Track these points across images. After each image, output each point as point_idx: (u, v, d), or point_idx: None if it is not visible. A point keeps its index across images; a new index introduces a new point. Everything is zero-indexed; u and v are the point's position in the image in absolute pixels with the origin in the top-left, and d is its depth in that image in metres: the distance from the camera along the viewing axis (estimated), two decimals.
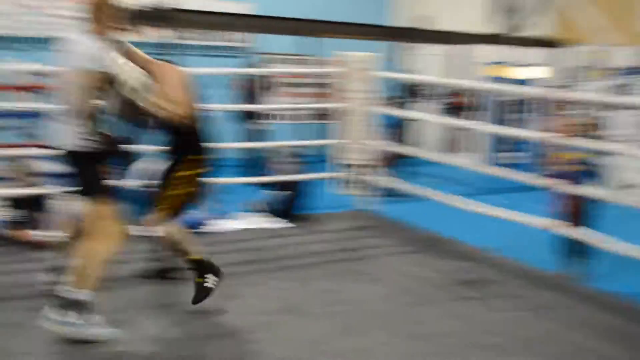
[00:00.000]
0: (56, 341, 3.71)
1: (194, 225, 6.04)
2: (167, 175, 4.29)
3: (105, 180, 3.82)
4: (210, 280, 4.27)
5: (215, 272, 4.32)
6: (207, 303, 4.37)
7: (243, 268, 5.24)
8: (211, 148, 4.42)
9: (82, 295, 3.70)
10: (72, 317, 3.69)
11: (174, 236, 4.26)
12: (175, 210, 4.30)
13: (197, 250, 4.31)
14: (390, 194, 7.29)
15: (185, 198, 4.33)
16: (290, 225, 6.47)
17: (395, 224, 6.83)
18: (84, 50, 3.65)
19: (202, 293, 4.25)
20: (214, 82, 12.70)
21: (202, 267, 4.30)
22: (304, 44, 12.26)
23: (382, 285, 4.99)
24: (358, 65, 6.54)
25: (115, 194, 3.87)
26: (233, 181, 7.44)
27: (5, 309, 4.23)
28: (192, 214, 6.19)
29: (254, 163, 9.74)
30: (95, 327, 3.77)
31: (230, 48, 14.09)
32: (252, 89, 10.34)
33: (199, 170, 4.34)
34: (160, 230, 4.24)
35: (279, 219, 6.55)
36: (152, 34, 12.87)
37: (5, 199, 5.74)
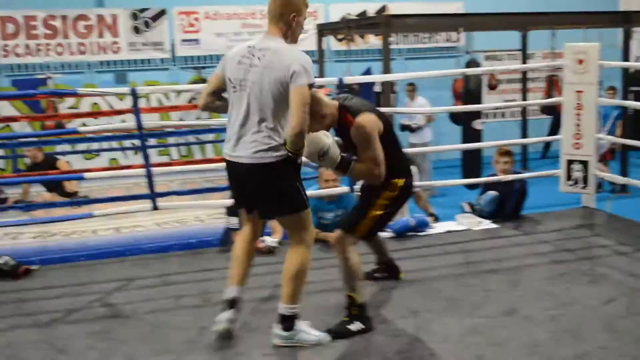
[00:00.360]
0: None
1: (404, 228, 6.05)
2: (369, 196, 4.22)
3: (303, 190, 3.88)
4: (355, 326, 4.07)
5: (366, 325, 4.09)
6: (417, 304, 4.37)
7: (456, 270, 5.15)
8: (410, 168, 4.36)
9: (298, 306, 3.86)
10: (294, 328, 3.87)
11: (354, 263, 4.11)
12: (370, 232, 4.27)
13: (363, 292, 4.17)
14: (616, 189, 6.83)
15: (383, 220, 4.26)
16: (504, 226, 6.26)
17: (621, 221, 6.38)
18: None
19: (342, 332, 4.03)
20: (432, 84, 12.81)
21: (359, 310, 4.11)
22: (533, 38, 11.92)
23: (606, 287, 4.67)
24: (584, 56, 6.19)
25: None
26: (449, 183, 7.37)
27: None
28: (404, 217, 6.23)
29: (468, 164, 9.58)
30: (313, 333, 3.91)
31: (445, 49, 14.06)
32: (471, 88, 10.15)
33: (400, 192, 4.20)
34: (346, 251, 4.10)
35: (492, 220, 6.36)
36: (365, 41, 13.26)
37: (224, 207, 6.05)
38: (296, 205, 3.81)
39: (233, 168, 3.81)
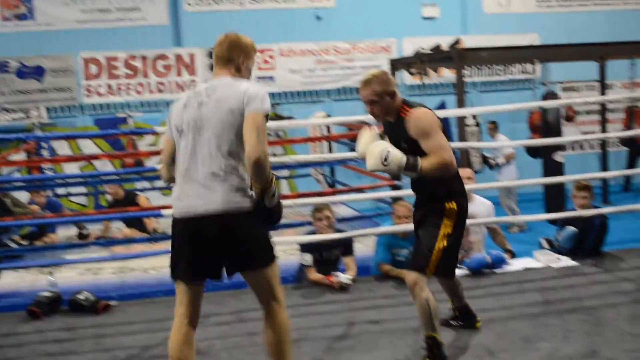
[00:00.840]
0: None
1: (480, 265, 5.95)
2: (428, 228, 4.09)
3: None
4: None
5: None
6: (494, 344, 4.28)
7: (532, 309, 5.01)
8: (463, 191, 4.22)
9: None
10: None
11: (430, 302, 4.00)
12: (441, 266, 4.09)
13: (440, 330, 4.09)
14: None
15: (451, 251, 4.13)
16: (584, 263, 6.08)
17: None
18: None
19: None
20: (508, 117, 12.66)
21: (439, 350, 4.02)
22: (611, 68, 11.67)
23: None
24: None
25: None
26: (526, 218, 7.23)
27: (304, 348, 4.46)
28: (479, 254, 6.12)
29: (551, 198, 9.37)
30: None
31: (521, 81, 13.91)
32: (550, 120, 9.98)
33: (458, 217, 4.08)
34: (421, 291, 4.00)
35: (572, 257, 6.19)
36: (439, 75, 13.22)
37: (296, 242, 6.07)
38: (271, 255, 3.47)
39: (189, 224, 3.33)
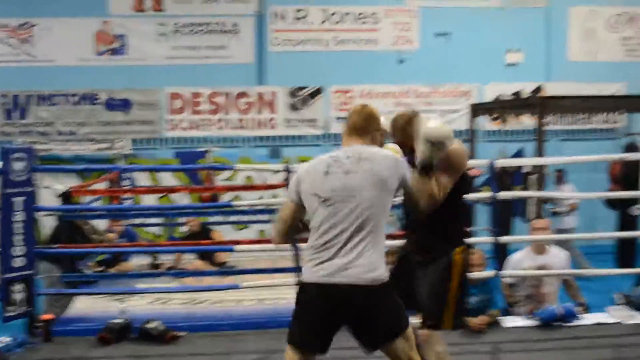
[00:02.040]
0: None
1: (551, 317, 5.80)
2: (437, 281, 3.89)
3: None
4: None
5: None
6: None
7: None
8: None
9: None
10: None
11: (446, 357, 3.89)
12: (456, 319, 3.92)
13: None
14: None
15: (462, 301, 3.96)
16: None
17: None
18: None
19: None
20: (588, 167, 12.37)
21: None
22: None
23: None
24: None
25: None
26: (602, 272, 7.02)
27: None
28: (552, 306, 5.97)
29: (628, 251, 9.08)
30: None
31: (604, 130, 13.59)
32: (630, 173, 9.71)
33: (463, 266, 3.93)
34: (437, 346, 3.87)
35: None
36: (519, 121, 13.05)
37: None
38: (406, 321, 3.43)
39: (331, 294, 3.28)
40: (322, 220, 3.31)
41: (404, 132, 3.91)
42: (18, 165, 5.66)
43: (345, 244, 3.26)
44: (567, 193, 10.28)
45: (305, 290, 3.37)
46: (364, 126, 3.51)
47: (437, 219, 3.78)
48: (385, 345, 3.37)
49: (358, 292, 3.24)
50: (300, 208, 3.42)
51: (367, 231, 3.28)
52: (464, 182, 3.96)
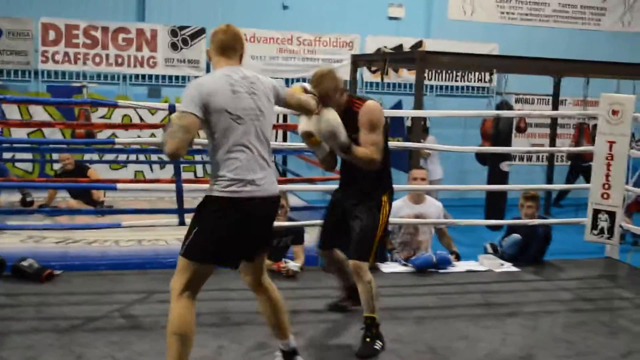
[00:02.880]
0: None
1: (425, 264, 6.05)
2: (373, 214, 4.29)
3: None
4: (378, 345, 4.20)
5: (384, 343, 4.24)
6: (435, 341, 4.38)
7: (473, 310, 5.14)
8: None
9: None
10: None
11: (374, 286, 4.25)
12: (376, 253, 4.48)
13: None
14: (638, 242, 6.80)
15: (381, 240, 4.49)
16: (525, 270, 6.24)
17: None
18: None
19: (371, 352, 4.17)
20: (460, 123, 12.84)
21: (378, 330, 4.24)
22: (565, 85, 11.92)
23: (625, 339, 4.64)
24: (619, 107, 6.20)
25: None
26: (473, 222, 7.37)
27: (247, 332, 4.49)
28: (424, 254, 6.23)
29: (497, 205, 9.55)
30: None
31: (477, 88, 14.13)
32: (501, 129, 10.15)
33: (389, 209, 4.42)
34: (366, 276, 4.22)
35: (514, 263, 6.34)
36: (398, 75, 13.35)
37: None
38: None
39: (255, 207, 3.47)
40: (235, 138, 3.42)
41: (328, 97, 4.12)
42: None
43: (258, 162, 3.46)
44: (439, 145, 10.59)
45: (224, 206, 3.43)
46: (233, 45, 3.57)
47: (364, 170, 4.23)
48: (261, 254, 3.72)
49: (271, 203, 3.56)
50: (199, 122, 3.38)
51: (269, 150, 3.54)
52: (386, 133, 4.32)
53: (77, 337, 4.20)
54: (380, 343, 4.20)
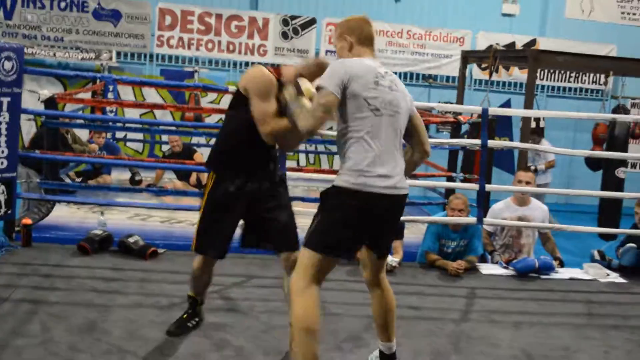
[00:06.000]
0: None
1: (527, 268, 5.89)
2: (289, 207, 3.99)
3: None
4: (192, 322, 4.16)
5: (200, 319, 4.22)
6: (532, 348, 4.25)
7: (574, 320, 4.96)
8: None
9: None
10: None
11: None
12: None
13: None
14: None
15: None
16: (635, 282, 5.96)
17: None
18: None
19: (181, 328, 4.12)
20: (570, 125, 12.43)
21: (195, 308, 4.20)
22: None
23: None
24: None
25: None
26: (582, 229, 7.11)
27: (344, 324, 4.49)
28: (526, 258, 6.06)
29: (611, 212, 9.17)
30: None
31: (591, 91, 13.66)
32: (617, 134, 9.75)
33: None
34: None
35: (623, 274, 6.08)
36: (508, 73, 13.04)
37: None
38: None
39: (383, 201, 3.33)
40: (369, 129, 3.31)
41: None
42: (7, 65, 5.52)
43: (390, 156, 3.35)
44: (553, 148, 10.27)
45: (351, 198, 3.30)
46: (373, 38, 3.55)
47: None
48: (385, 250, 3.64)
49: (398, 199, 3.41)
50: (339, 104, 3.30)
51: (401, 147, 3.46)
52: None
53: (176, 315, 4.27)
54: None
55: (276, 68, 3.82)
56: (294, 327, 3.36)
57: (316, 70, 3.58)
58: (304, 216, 4.17)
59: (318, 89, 3.30)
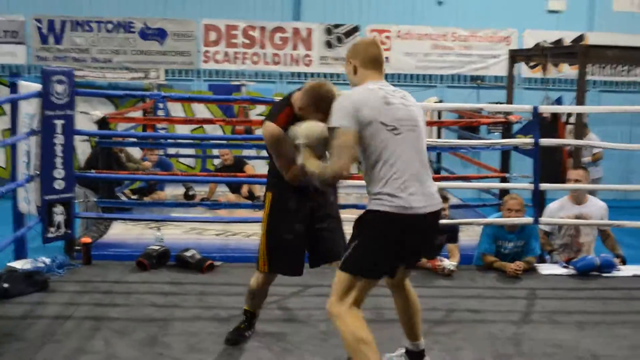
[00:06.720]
0: None
1: (588, 267, 5.77)
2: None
3: None
4: (249, 332, 4.23)
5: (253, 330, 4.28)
6: (598, 349, 4.16)
7: (636, 317, 4.84)
8: None
9: None
10: None
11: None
12: None
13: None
14: None
15: None
16: None
17: None
18: None
19: (238, 337, 4.17)
20: (627, 120, 12.17)
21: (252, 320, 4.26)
22: None
23: None
24: None
25: None
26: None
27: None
28: (586, 256, 5.93)
29: None
30: None
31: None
32: None
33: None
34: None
35: None
36: (558, 70, 12.83)
37: None
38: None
39: (416, 222, 3.29)
40: (393, 150, 3.24)
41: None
42: (59, 88, 5.65)
43: (418, 174, 3.29)
44: (603, 143, 10.08)
45: (385, 220, 3.25)
46: (382, 59, 3.50)
47: None
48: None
49: (432, 216, 3.35)
50: (358, 136, 3.24)
51: (426, 161, 3.40)
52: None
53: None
54: None
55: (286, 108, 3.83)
56: (348, 347, 3.34)
57: (306, 98, 3.67)
58: None
59: (330, 130, 3.28)
